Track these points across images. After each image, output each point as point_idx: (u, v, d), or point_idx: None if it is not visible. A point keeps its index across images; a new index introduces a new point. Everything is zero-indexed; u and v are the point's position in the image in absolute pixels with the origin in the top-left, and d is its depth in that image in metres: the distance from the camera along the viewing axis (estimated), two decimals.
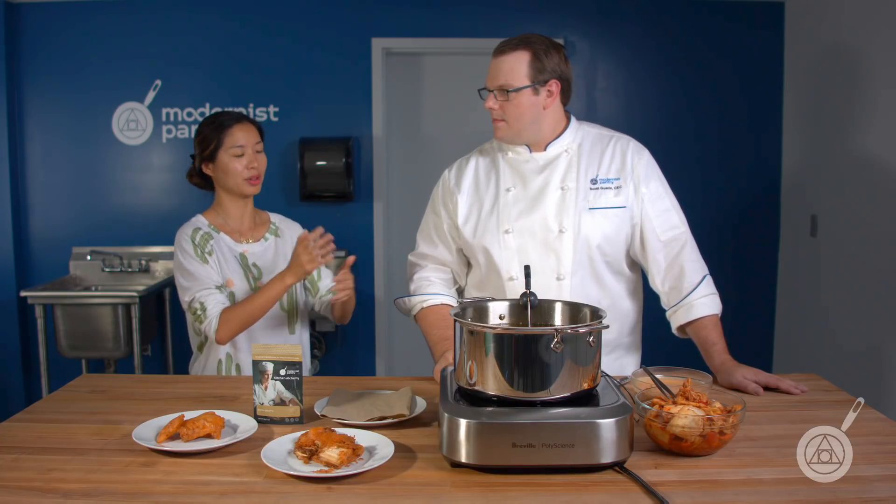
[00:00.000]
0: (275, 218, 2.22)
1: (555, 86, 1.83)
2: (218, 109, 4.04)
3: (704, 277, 1.89)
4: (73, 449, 1.40)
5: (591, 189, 1.87)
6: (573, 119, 1.94)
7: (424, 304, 1.99)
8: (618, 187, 1.87)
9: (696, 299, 1.86)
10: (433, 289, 2.00)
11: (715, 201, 4.12)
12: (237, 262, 2.07)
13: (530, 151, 1.91)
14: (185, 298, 2.01)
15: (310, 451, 1.32)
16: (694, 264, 1.89)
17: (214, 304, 1.96)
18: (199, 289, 1.98)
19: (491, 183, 1.94)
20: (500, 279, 1.88)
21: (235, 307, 1.98)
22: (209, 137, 2.03)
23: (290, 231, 2.21)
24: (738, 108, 4.16)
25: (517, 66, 1.79)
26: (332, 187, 4.05)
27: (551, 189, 1.87)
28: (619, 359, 1.94)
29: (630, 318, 1.97)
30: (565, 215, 1.85)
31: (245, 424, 1.49)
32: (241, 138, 2.03)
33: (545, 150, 1.90)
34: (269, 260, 2.12)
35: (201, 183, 2.13)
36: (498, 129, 1.86)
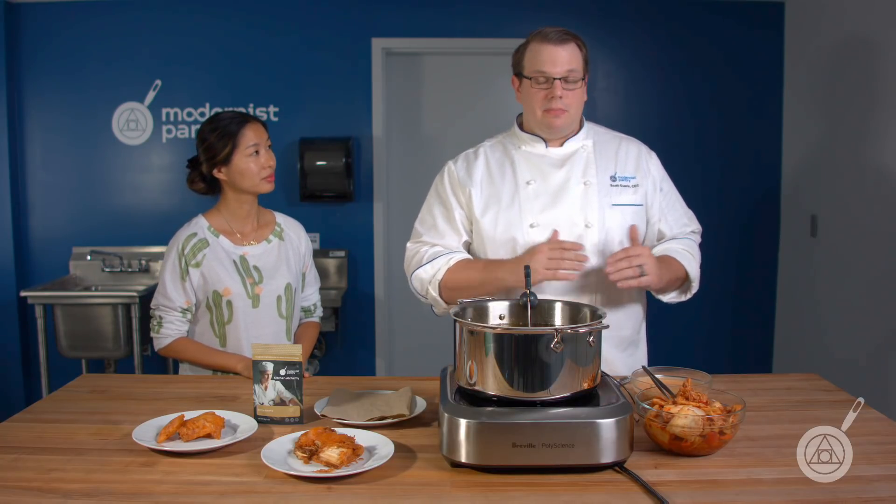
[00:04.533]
0: (280, 218, 2.20)
1: (587, 79, 1.88)
2: (218, 110, 4.05)
3: (694, 244, 1.95)
4: (73, 449, 1.40)
5: (611, 186, 1.88)
6: (584, 118, 1.96)
7: (452, 261, 1.87)
8: (635, 185, 1.90)
9: (677, 245, 1.92)
10: (460, 255, 1.90)
11: (715, 201, 4.12)
12: (235, 267, 2.05)
13: (546, 146, 1.91)
14: (153, 301, 2.09)
15: (310, 451, 1.32)
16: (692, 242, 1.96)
17: (170, 325, 2.05)
18: (164, 303, 2.05)
19: (507, 176, 1.91)
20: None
21: (191, 348, 2.05)
22: (220, 143, 2.00)
23: (294, 232, 2.20)
24: (739, 108, 4.16)
25: (577, 55, 1.82)
26: (332, 187, 4.05)
27: (573, 184, 1.87)
28: (632, 355, 1.95)
29: (639, 315, 1.98)
30: (590, 210, 1.85)
31: (245, 424, 1.49)
32: (254, 137, 2.02)
33: (562, 145, 1.91)
34: (272, 262, 2.10)
35: (205, 188, 2.10)
36: (559, 118, 1.82)
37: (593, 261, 1.83)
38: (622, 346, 1.91)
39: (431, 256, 1.89)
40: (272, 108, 4.11)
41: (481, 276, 1.81)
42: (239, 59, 4.07)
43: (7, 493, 1.22)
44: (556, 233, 1.80)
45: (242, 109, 4.04)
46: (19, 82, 4.05)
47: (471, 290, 1.78)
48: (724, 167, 4.18)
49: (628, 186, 1.89)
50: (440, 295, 1.87)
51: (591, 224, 1.84)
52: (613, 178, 1.89)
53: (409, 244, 1.98)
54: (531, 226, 1.85)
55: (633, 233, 1.79)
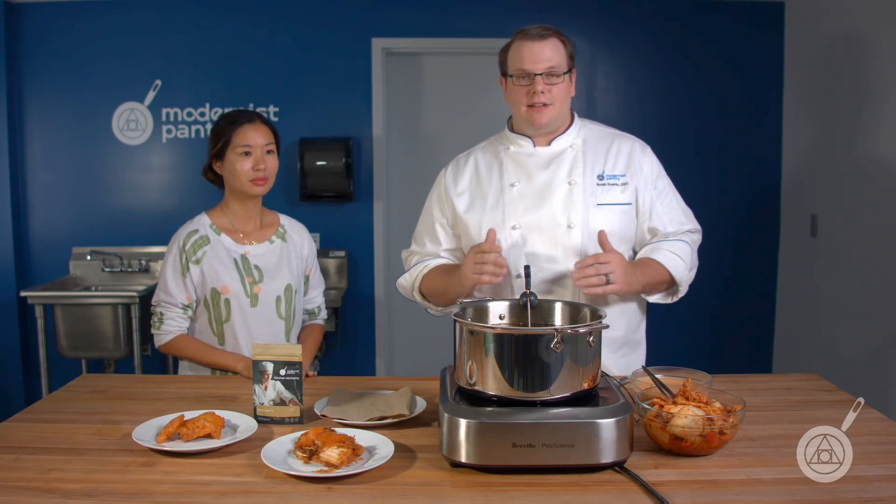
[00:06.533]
0: (283, 220, 2.19)
1: (574, 75, 1.88)
2: (218, 110, 4.06)
3: (686, 246, 1.89)
4: (73, 449, 1.40)
5: (598, 185, 1.87)
6: (576, 115, 1.95)
7: (427, 269, 1.94)
8: (624, 184, 1.88)
9: (665, 245, 1.86)
10: (435, 262, 1.97)
11: (715, 201, 4.12)
12: (235, 266, 2.05)
13: (534, 146, 1.90)
14: (154, 297, 2.08)
15: (310, 451, 1.32)
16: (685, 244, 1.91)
17: (171, 322, 2.04)
18: (165, 300, 2.04)
19: (493, 177, 1.92)
20: (509, 276, 1.86)
21: (191, 345, 2.04)
22: (219, 134, 2.02)
23: (297, 234, 2.19)
24: (738, 107, 4.16)
25: (559, 50, 1.82)
26: (332, 187, 4.05)
27: (558, 184, 1.86)
28: (626, 356, 1.93)
29: (636, 315, 1.96)
30: (573, 210, 1.84)
31: (245, 424, 1.49)
32: (250, 138, 2.00)
33: (550, 144, 1.90)
34: (273, 263, 2.09)
35: (214, 179, 2.11)
36: (542, 113, 1.82)
37: (576, 261, 1.82)
38: (613, 347, 1.89)
39: (411, 265, 2.00)
40: (272, 108, 4.11)
41: (443, 284, 1.89)
42: (239, 59, 4.07)
43: (7, 493, 1.22)
44: (490, 232, 1.73)
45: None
46: (19, 82, 4.05)
47: (441, 297, 1.91)
48: (724, 167, 4.18)
49: (616, 185, 1.87)
50: (424, 300, 1.97)
51: (574, 224, 1.83)
52: (601, 177, 1.88)
53: (403, 252, 2.09)
54: (513, 227, 1.85)
55: (601, 238, 1.73)
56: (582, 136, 1.92)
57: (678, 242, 1.88)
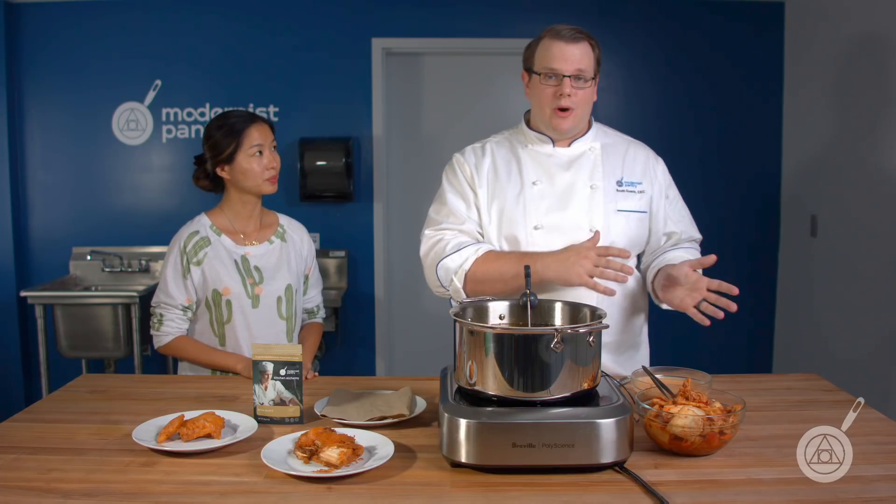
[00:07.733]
0: (283, 220, 2.20)
1: (597, 81, 1.88)
2: (218, 110, 4.05)
3: (698, 253, 1.90)
4: (73, 449, 1.40)
5: (617, 191, 1.87)
6: (593, 120, 1.95)
7: (479, 252, 1.80)
8: (641, 192, 1.89)
9: (683, 253, 1.87)
10: (486, 246, 1.83)
11: (715, 201, 4.12)
12: (236, 267, 2.05)
13: (553, 146, 1.89)
14: (154, 298, 2.08)
15: (310, 451, 1.32)
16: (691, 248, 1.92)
17: (171, 323, 2.04)
18: (165, 301, 2.04)
19: (513, 174, 1.89)
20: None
21: (191, 346, 2.04)
22: (224, 141, 2.01)
23: (296, 234, 2.19)
24: (739, 108, 4.16)
25: (589, 55, 1.82)
26: (332, 187, 4.05)
27: (580, 187, 1.85)
28: (631, 359, 1.93)
29: (639, 318, 1.97)
30: (595, 214, 1.83)
31: (245, 424, 1.49)
32: (259, 138, 2.02)
33: (569, 146, 1.89)
34: (273, 263, 2.09)
35: (209, 186, 2.10)
36: (566, 119, 1.80)
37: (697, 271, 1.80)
38: (618, 351, 1.89)
39: (457, 246, 1.82)
40: (272, 108, 4.11)
41: (515, 268, 1.72)
42: (239, 59, 4.07)
43: (7, 493, 1.22)
44: (597, 234, 1.73)
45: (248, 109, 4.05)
46: (19, 82, 4.05)
47: (499, 283, 1.74)
48: (725, 167, 4.18)
49: (634, 192, 1.88)
50: (464, 286, 1.80)
51: (595, 228, 1.82)
52: (620, 183, 1.87)
53: (427, 231, 1.90)
54: (535, 227, 1.83)
55: (696, 265, 1.73)
56: (600, 140, 1.92)
57: (692, 250, 1.91)
